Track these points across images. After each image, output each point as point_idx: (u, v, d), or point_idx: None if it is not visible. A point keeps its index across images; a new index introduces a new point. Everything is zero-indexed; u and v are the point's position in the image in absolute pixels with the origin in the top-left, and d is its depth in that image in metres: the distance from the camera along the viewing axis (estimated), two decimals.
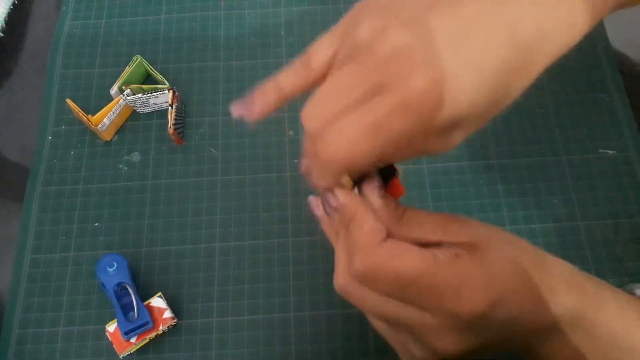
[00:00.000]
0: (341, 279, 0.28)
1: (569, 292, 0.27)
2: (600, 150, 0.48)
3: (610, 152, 0.48)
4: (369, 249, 0.26)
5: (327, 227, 0.30)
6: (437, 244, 0.27)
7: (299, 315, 0.43)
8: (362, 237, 0.26)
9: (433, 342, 0.26)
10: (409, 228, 0.28)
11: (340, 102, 0.25)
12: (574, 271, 0.28)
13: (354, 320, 0.43)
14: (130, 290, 0.41)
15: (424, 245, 0.27)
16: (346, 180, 0.28)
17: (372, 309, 0.27)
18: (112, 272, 0.42)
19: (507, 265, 0.26)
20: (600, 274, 0.43)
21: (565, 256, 0.29)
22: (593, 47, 0.52)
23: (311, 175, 0.27)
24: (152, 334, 0.41)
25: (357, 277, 0.26)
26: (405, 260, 0.25)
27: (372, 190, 0.28)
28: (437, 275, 0.25)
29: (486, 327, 0.26)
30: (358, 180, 0.29)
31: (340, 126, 0.24)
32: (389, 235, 0.27)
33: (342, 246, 0.28)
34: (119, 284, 0.42)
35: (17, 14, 0.56)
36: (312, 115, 0.26)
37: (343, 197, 0.28)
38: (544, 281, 0.27)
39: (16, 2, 0.56)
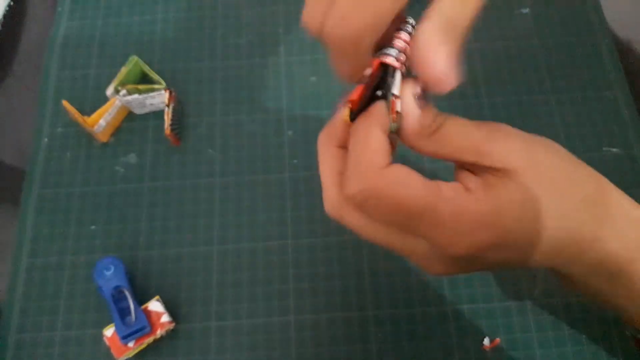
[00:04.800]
0: (334, 201, 0.26)
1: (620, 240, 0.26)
2: (604, 148, 0.47)
3: (614, 149, 0.47)
4: (370, 172, 0.24)
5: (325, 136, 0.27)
6: (472, 165, 0.26)
7: (299, 318, 0.42)
8: (367, 157, 0.24)
9: (423, 264, 0.26)
10: (442, 144, 0.25)
11: None
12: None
13: (355, 324, 0.42)
14: (127, 294, 0.41)
15: (460, 163, 0.26)
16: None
17: (364, 233, 0.26)
18: (109, 275, 0.42)
19: (524, 206, 0.25)
20: None
21: None
22: (596, 44, 0.51)
23: (337, 67, 0.25)
24: (150, 339, 0.41)
25: (353, 200, 0.25)
26: (409, 189, 0.24)
27: (410, 96, 0.25)
28: (438, 211, 0.24)
29: (481, 263, 0.26)
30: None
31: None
32: (417, 146, 0.25)
33: (333, 161, 0.26)
34: (116, 288, 0.41)
35: (12, 15, 0.56)
36: (310, 13, 0.24)
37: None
38: (585, 226, 0.25)
39: (12, 3, 0.56)
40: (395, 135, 0.26)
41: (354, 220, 0.26)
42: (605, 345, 0.41)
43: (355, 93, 0.26)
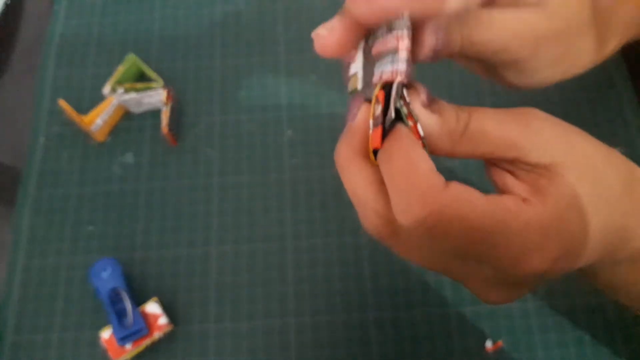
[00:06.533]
0: (378, 225, 0.23)
1: None
2: None
3: (618, 149, 0.46)
4: (433, 194, 0.21)
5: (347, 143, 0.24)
6: (512, 161, 0.23)
7: (299, 321, 0.42)
8: (422, 179, 0.21)
9: (480, 291, 0.24)
10: (476, 144, 0.23)
11: None
12: None
13: (356, 326, 0.42)
14: (124, 295, 0.41)
15: (494, 161, 0.23)
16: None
17: (419, 260, 0.24)
18: (106, 277, 0.42)
19: (580, 205, 0.22)
20: None
21: None
22: None
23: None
24: (148, 341, 0.40)
25: (421, 225, 0.22)
26: (478, 207, 0.21)
27: (421, 109, 0.22)
28: (509, 226, 0.21)
29: (542, 279, 0.23)
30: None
31: None
32: (451, 152, 0.23)
33: (367, 173, 0.23)
34: (113, 289, 0.41)
35: (9, 14, 0.55)
36: None
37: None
38: (628, 215, 0.24)
39: (8, 1, 0.56)
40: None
41: (410, 244, 0.23)
42: (609, 348, 0.40)
43: (375, 138, 0.23)
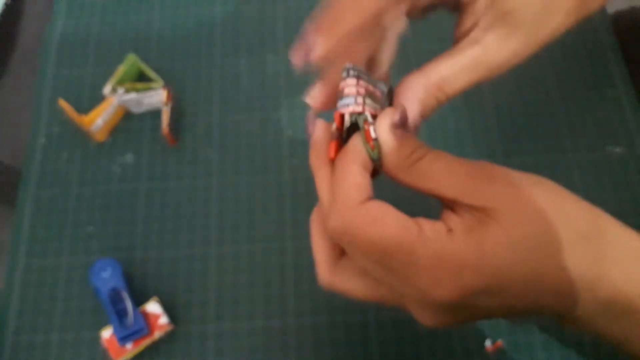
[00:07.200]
0: (325, 274, 0.27)
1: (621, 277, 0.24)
2: (607, 148, 0.47)
3: (617, 149, 0.47)
4: (346, 209, 0.24)
5: (315, 157, 0.27)
6: (452, 202, 0.25)
7: (299, 321, 0.42)
8: (343, 193, 0.24)
9: (415, 313, 0.25)
10: (421, 178, 0.25)
11: None
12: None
13: (356, 327, 0.42)
14: (124, 295, 0.41)
15: (440, 199, 0.25)
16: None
17: (362, 294, 0.26)
18: (106, 277, 0.42)
19: (514, 249, 0.23)
20: None
21: None
22: (600, 42, 0.51)
23: (309, 48, 0.26)
24: (148, 341, 0.40)
25: (331, 236, 0.25)
26: (384, 228, 0.23)
27: (386, 126, 0.25)
28: (416, 252, 0.23)
29: (475, 310, 0.24)
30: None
31: None
32: (395, 177, 0.25)
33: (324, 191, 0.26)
34: (113, 289, 0.41)
35: (9, 14, 0.55)
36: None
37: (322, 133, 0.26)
38: (586, 263, 0.24)
39: (8, 1, 0.55)
40: (378, 163, 0.25)
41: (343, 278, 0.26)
42: (608, 349, 0.40)
43: (331, 151, 0.26)
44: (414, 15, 0.28)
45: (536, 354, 0.40)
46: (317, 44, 0.26)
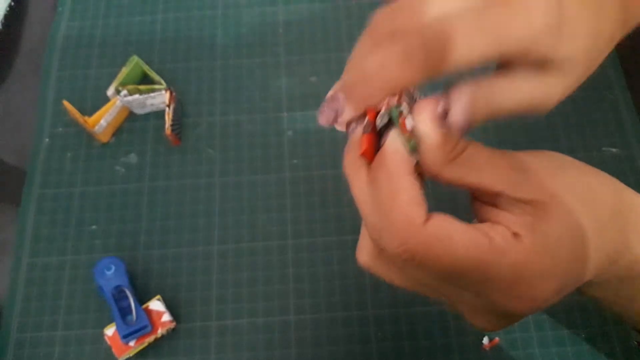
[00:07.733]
0: (366, 258, 0.24)
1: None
2: (603, 148, 0.47)
3: (614, 150, 0.47)
4: (409, 230, 0.21)
5: (351, 165, 0.23)
6: (495, 196, 0.23)
7: (299, 318, 0.42)
8: (400, 213, 0.21)
9: (468, 315, 0.24)
10: (465, 171, 0.22)
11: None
12: None
13: (355, 324, 0.42)
14: (128, 293, 0.41)
15: (480, 193, 0.23)
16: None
17: (404, 286, 0.24)
18: (110, 275, 0.42)
19: (572, 239, 0.22)
20: None
21: None
22: None
23: (337, 112, 0.22)
24: (151, 338, 0.41)
25: (392, 259, 0.22)
26: (456, 249, 0.21)
27: (428, 118, 0.22)
28: (491, 270, 0.21)
29: (537, 311, 0.23)
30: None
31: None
32: (439, 173, 0.22)
33: (368, 209, 0.23)
34: (116, 287, 0.41)
35: (13, 15, 0.56)
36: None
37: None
38: (617, 237, 0.24)
39: (12, 3, 0.56)
40: (416, 155, 0.22)
41: (389, 274, 0.24)
42: (605, 345, 0.41)
43: (363, 144, 0.23)
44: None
45: (533, 351, 0.41)
46: (345, 111, 0.23)
